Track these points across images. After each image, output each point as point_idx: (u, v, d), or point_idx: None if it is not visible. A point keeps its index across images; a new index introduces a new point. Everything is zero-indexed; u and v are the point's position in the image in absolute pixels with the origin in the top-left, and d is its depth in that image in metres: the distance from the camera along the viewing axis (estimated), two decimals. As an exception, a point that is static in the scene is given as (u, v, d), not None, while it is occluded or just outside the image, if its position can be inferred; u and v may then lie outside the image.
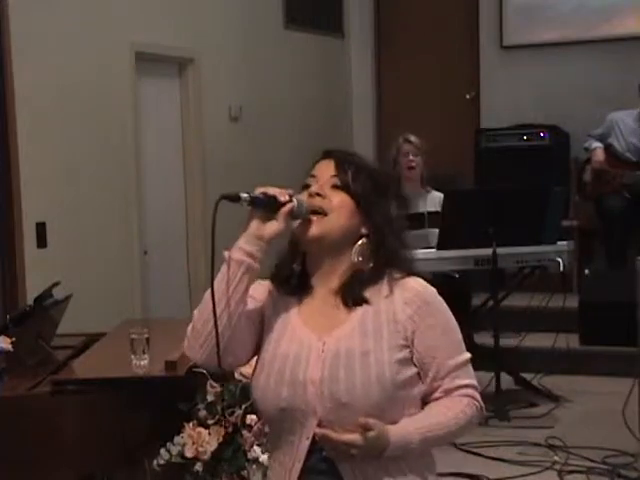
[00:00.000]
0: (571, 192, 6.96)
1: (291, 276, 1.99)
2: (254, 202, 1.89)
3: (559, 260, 5.21)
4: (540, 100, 7.74)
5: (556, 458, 4.53)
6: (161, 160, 6.20)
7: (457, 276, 5.39)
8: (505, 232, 5.02)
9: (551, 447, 4.66)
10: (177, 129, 6.37)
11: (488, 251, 5.05)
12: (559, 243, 5.27)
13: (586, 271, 6.17)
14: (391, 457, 1.85)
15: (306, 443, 1.88)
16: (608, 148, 6.51)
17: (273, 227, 1.91)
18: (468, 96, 8.18)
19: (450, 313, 1.97)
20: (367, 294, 1.93)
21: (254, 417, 3.00)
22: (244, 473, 3.03)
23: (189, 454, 3.01)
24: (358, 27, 8.43)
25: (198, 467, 3.02)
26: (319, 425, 1.85)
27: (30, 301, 3.66)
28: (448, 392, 1.92)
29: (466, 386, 1.94)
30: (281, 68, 7.35)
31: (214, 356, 1.90)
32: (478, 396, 1.96)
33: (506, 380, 5.38)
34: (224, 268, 1.89)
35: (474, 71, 8.15)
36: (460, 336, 1.98)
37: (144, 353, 3.05)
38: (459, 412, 1.92)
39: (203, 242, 6.42)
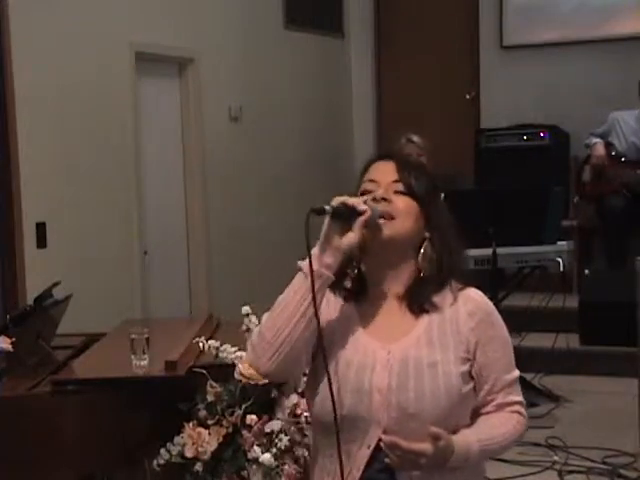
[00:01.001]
0: (571, 192, 6.97)
1: (343, 280, 1.95)
2: (336, 214, 1.86)
3: (559, 260, 5.21)
4: (540, 100, 7.74)
5: (556, 458, 4.54)
6: (161, 160, 6.20)
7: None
8: (505, 232, 5.02)
9: (551, 447, 4.66)
10: (177, 129, 6.37)
11: (488, 251, 5.06)
12: (559, 243, 5.27)
13: (586, 271, 6.17)
14: (450, 468, 1.82)
15: (367, 452, 1.84)
16: (609, 147, 6.52)
17: (350, 238, 1.86)
18: (468, 96, 8.18)
19: (505, 327, 1.96)
20: (434, 300, 1.91)
21: (254, 417, 3.00)
22: (244, 473, 3.03)
23: (189, 454, 3.01)
24: (358, 27, 8.43)
25: (198, 467, 3.02)
26: (383, 434, 1.82)
27: (30, 301, 3.66)
28: (500, 407, 1.91)
29: (518, 403, 1.94)
30: (281, 68, 7.35)
31: (282, 368, 1.86)
32: (526, 414, 1.96)
33: (506, 380, 5.38)
34: (300, 279, 1.84)
35: (474, 71, 8.15)
36: (513, 352, 1.96)
37: (144, 353, 3.05)
38: (511, 428, 1.91)
39: (203, 242, 6.42)
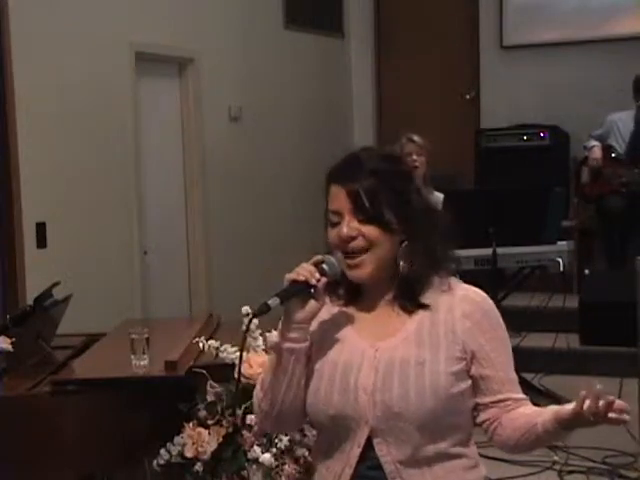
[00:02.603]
0: (571, 192, 6.98)
1: (337, 285, 1.94)
2: (286, 299, 1.84)
3: (559, 260, 5.21)
4: (540, 100, 7.74)
5: (556, 458, 4.53)
6: (161, 160, 6.20)
7: (458, 276, 5.38)
8: (505, 232, 5.02)
9: (551, 447, 4.65)
10: (177, 129, 6.37)
11: (488, 251, 5.06)
12: (559, 243, 5.27)
13: (586, 271, 6.17)
14: (440, 472, 1.84)
15: (357, 451, 1.85)
16: (608, 149, 6.54)
17: (313, 307, 1.87)
18: (468, 96, 8.18)
19: (505, 328, 1.94)
20: (424, 300, 1.89)
21: (254, 417, 3.00)
22: (244, 473, 3.04)
23: (189, 454, 3.01)
24: (358, 27, 8.43)
25: (198, 467, 3.03)
26: (371, 434, 1.83)
27: (30, 301, 3.66)
28: (518, 401, 1.88)
29: (525, 399, 1.91)
30: (281, 68, 7.35)
31: (282, 427, 2.16)
32: None
33: (506, 380, 5.38)
34: (276, 357, 1.90)
35: (474, 71, 8.15)
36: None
37: (144, 353, 3.05)
38: None
39: (203, 242, 6.43)
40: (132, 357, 3.05)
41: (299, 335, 1.87)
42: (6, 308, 4.78)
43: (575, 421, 1.74)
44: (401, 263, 1.87)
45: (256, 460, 2.98)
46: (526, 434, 1.83)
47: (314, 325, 1.92)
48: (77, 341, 3.71)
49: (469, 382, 1.87)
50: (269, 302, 1.82)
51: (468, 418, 1.90)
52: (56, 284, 3.58)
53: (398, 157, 1.98)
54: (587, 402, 1.70)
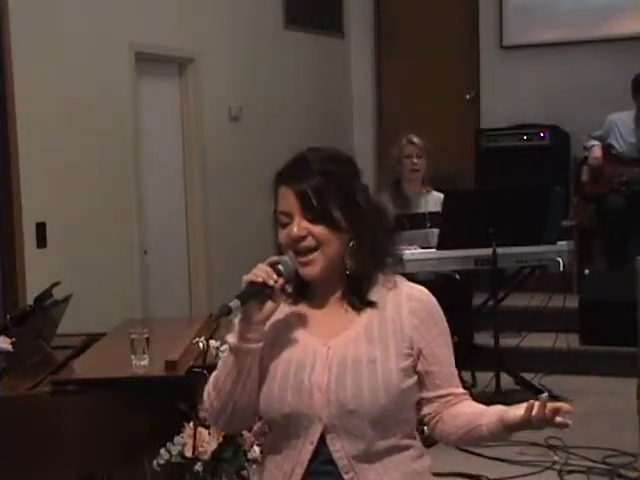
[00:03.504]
0: (571, 192, 6.98)
1: (286, 283, 1.95)
2: (246, 302, 1.84)
3: (559, 260, 5.21)
4: (540, 100, 7.74)
5: (556, 458, 4.53)
6: (161, 160, 6.20)
7: (457, 277, 5.39)
8: (505, 232, 5.02)
9: (551, 447, 4.66)
10: (177, 129, 6.37)
11: (488, 251, 5.06)
12: (559, 243, 5.27)
13: (586, 271, 6.17)
14: (390, 464, 1.87)
15: (310, 448, 1.86)
16: (608, 149, 6.54)
17: (270, 308, 1.88)
18: (468, 96, 8.18)
19: (447, 324, 1.97)
20: (371, 297, 1.92)
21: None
22: (244, 473, 3.04)
23: (189, 454, 3.01)
24: (358, 27, 8.43)
25: (198, 467, 3.03)
26: (324, 430, 1.85)
27: (30, 301, 3.66)
28: (458, 396, 1.93)
29: (465, 394, 1.96)
30: (281, 68, 7.35)
31: (241, 426, 2.25)
32: None
33: (506, 380, 5.38)
34: (232, 357, 1.89)
35: (474, 71, 8.15)
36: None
37: (144, 353, 3.05)
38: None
39: (203, 242, 6.43)
40: (132, 357, 3.06)
41: (256, 335, 1.88)
42: (6, 308, 4.78)
43: (522, 426, 1.79)
44: (348, 262, 1.90)
45: (256, 460, 2.99)
46: (470, 432, 1.88)
47: (266, 324, 1.93)
48: (77, 341, 3.71)
49: (415, 377, 1.91)
50: (230, 304, 1.82)
51: (414, 411, 1.94)
52: (56, 284, 3.58)
53: (345, 156, 1.98)
54: (535, 409, 1.74)
